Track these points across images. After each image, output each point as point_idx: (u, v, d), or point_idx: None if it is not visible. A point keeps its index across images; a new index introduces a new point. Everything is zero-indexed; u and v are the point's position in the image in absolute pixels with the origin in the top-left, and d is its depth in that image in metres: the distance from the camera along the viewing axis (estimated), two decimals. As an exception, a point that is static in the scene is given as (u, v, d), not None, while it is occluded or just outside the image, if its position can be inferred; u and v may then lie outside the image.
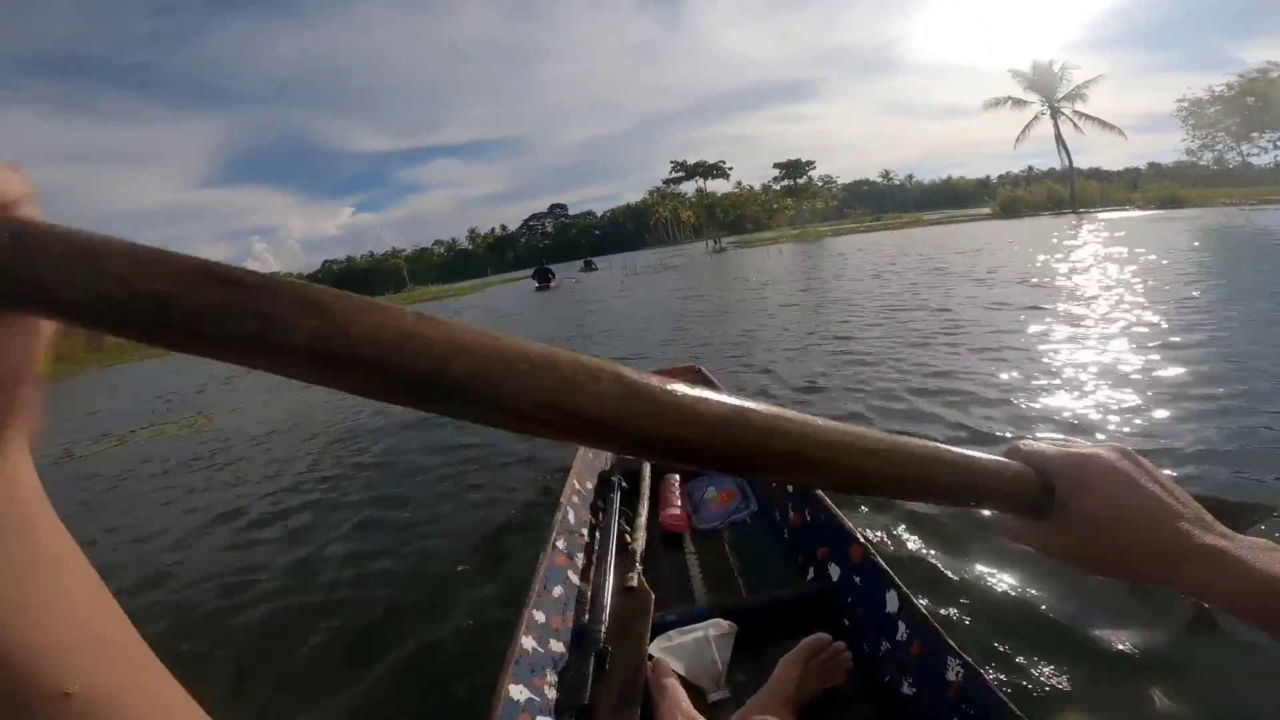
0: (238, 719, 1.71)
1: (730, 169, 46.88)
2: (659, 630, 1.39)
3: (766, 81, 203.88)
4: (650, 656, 1.30)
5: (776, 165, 47.92)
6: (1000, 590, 1.78)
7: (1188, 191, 30.65)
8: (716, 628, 1.37)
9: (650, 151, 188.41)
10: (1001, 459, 0.33)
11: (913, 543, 2.10)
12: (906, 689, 1.16)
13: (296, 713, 1.77)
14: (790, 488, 1.86)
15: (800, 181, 48.23)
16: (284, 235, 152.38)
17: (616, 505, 1.93)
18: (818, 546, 1.61)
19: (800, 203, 50.00)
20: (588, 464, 2.25)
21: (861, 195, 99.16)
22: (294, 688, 1.92)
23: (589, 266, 37.77)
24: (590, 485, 2.16)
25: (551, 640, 1.34)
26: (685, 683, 1.27)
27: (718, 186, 52.21)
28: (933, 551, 2.03)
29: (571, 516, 1.85)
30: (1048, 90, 34.51)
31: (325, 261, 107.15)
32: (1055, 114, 34.52)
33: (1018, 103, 35.62)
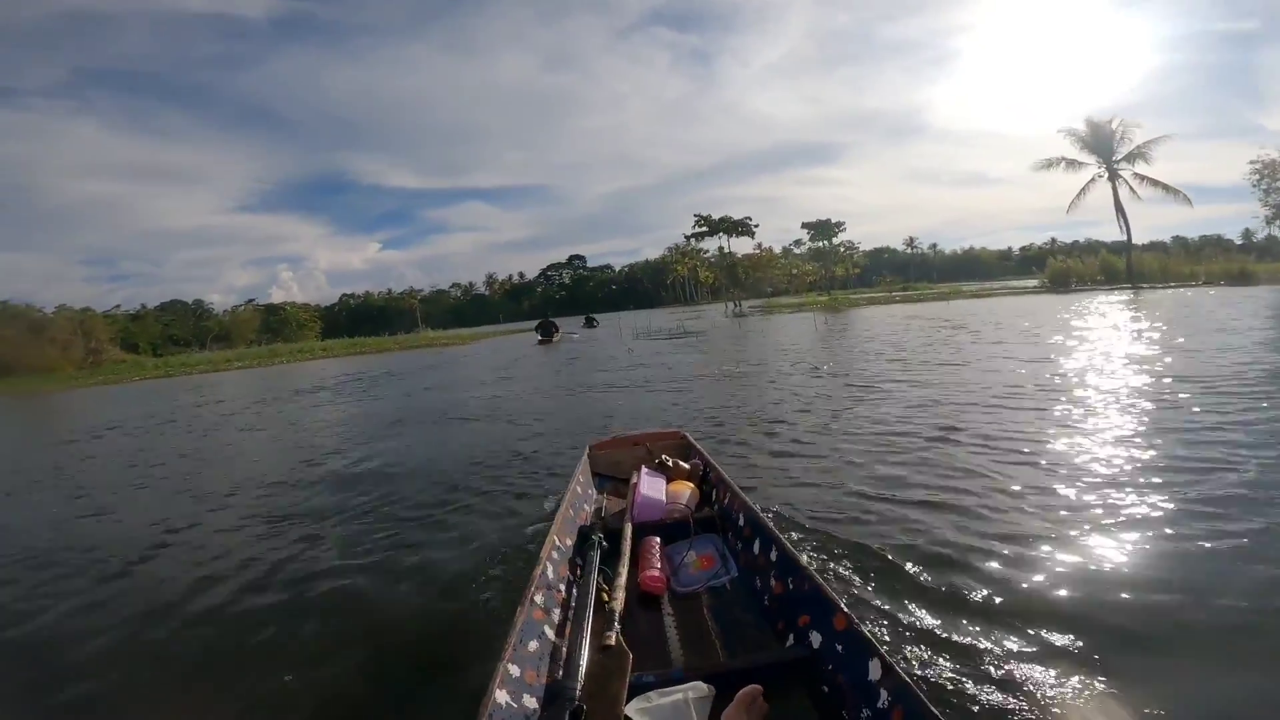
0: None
1: (756, 226, 44.00)
2: (635, 690, 1.35)
3: (791, 143, 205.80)
4: (626, 717, 1.28)
5: (805, 225, 44.36)
6: (991, 661, 1.75)
7: (1255, 266, 27.25)
8: (695, 690, 1.32)
9: (671, 209, 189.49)
10: None
11: (901, 616, 2.03)
12: None
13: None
14: (774, 556, 1.85)
15: (829, 244, 44.66)
16: (311, 266, 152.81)
17: (596, 563, 1.92)
18: (799, 614, 1.59)
19: (825, 267, 46.62)
20: (568, 521, 2.26)
21: (881, 263, 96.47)
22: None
23: (590, 323, 36.33)
24: (570, 542, 2.16)
25: (525, 695, 1.35)
26: None
27: (740, 246, 49.30)
28: (922, 627, 1.96)
29: (550, 572, 1.85)
30: (1105, 151, 31.19)
31: (343, 295, 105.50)
32: (1114, 176, 31.15)
33: (1072, 164, 32.13)
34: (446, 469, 4.74)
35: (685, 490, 2.61)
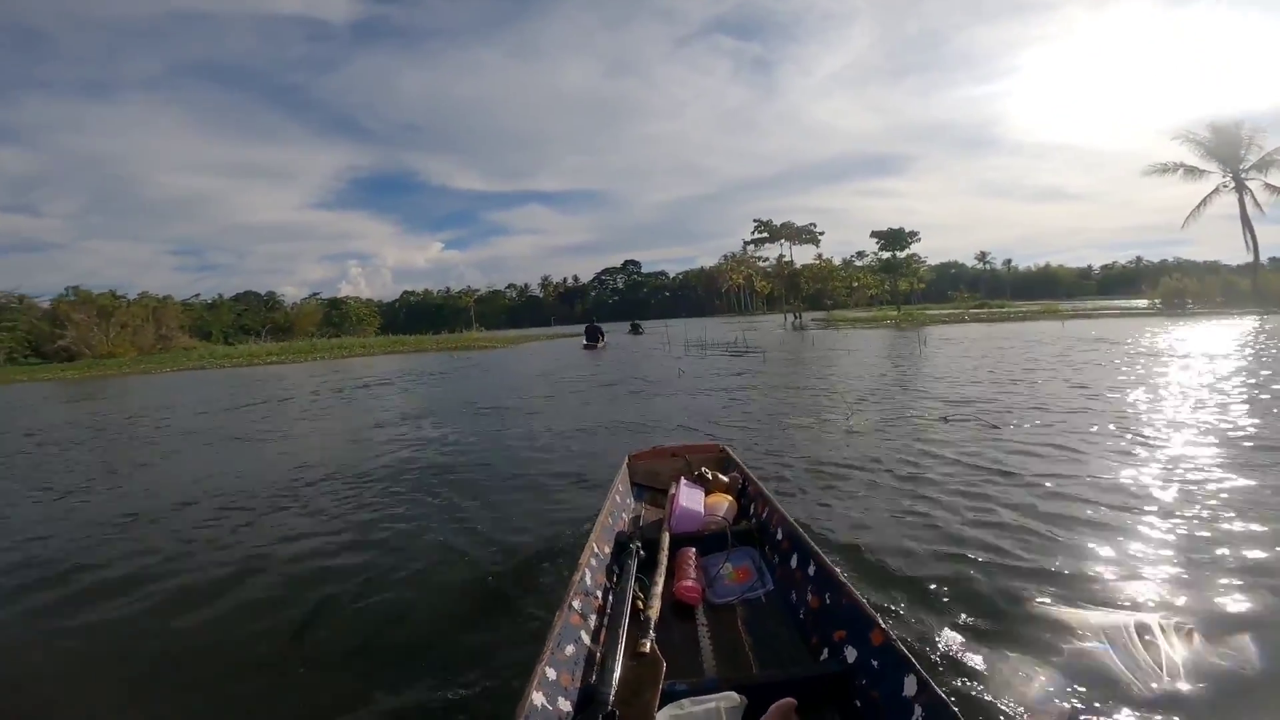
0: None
1: (821, 234, 40.48)
2: (667, 698, 1.36)
3: (853, 154, 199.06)
4: None
5: (874, 235, 39.94)
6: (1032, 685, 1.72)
7: None
8: (728, 700, 1.32)
9: (729, 218, 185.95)
10: None
11: (942, 633, 2.02)
12: None
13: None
14: (811, 571, 1.84)
15: (900, 255, 40.47)
16: (379, 263, 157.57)
17: (633, 572, 1.93)
18: (834, 629, 1.58)
19: (896, 280, 42.57)
20: (607, 529, 2.28)
21: (948, 278, 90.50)
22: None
23: (635, 330, 34.53)
24: (608, 549, 2.17)
25: (560, 698, 1.35)
26: None
27: (800, 255, 45.90)
28: (964, 642, 1.96)
29: (588, 578, 1.86)
30: (1230, 158, 26.87)
31: (404, 292, 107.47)
32: (1240, 186, 26.81)
33: (1191, 171, 27.92)
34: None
35: (723, 503, 2.60)
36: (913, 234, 39.89)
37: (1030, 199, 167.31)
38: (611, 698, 1.33)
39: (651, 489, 3.08)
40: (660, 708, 1.31)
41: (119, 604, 2.82)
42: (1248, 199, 27.32)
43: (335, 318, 72.55)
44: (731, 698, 1.31)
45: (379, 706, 1.87)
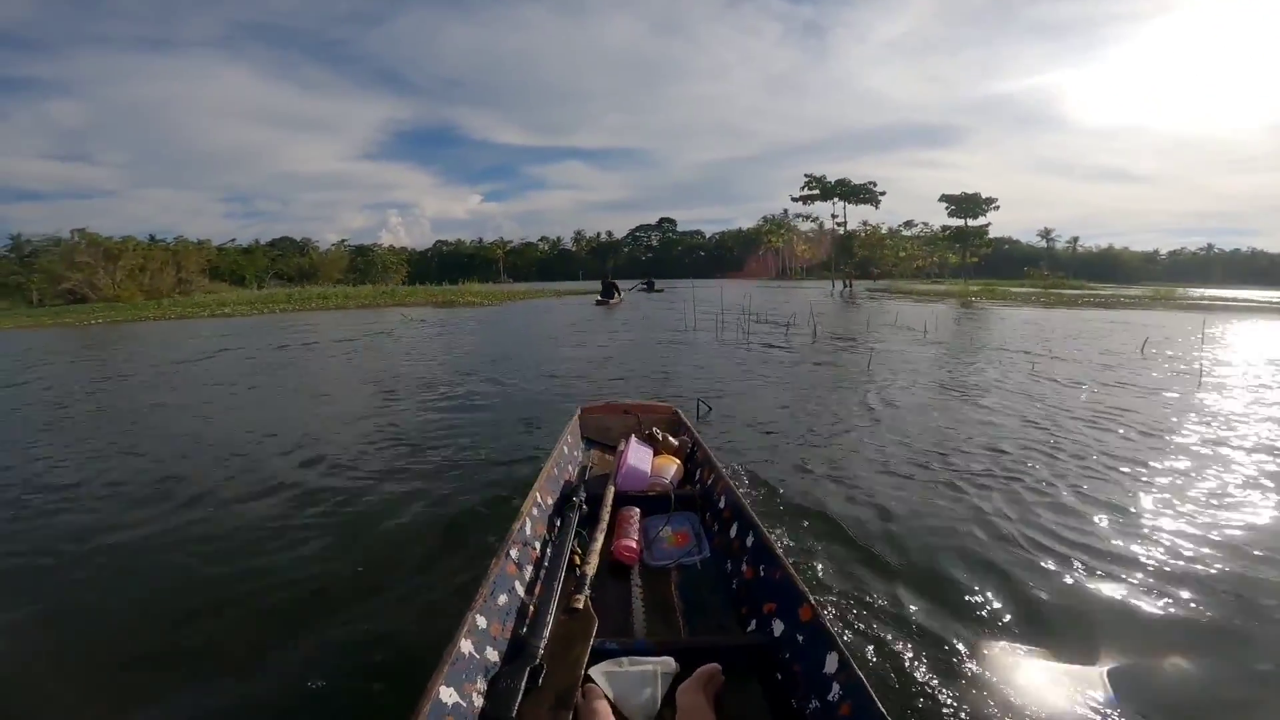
0: (98, 708, 1.63)
1: (882, 194, 34.41)
2: (597, 656, 1.34)
3: (905, 123, 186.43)
4: (587, 679, 1.27)
5: (944, 198, 34.10)
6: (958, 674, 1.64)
7: None
8: (664, 665, 1.30)
9: (770, 181, 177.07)
10: None
11: (867, 612, 1.92)
12: None
13: (185, 703, 1.61)
14: (749, 542, 1.79)
15: (975, 223, 34.47)
16: (418, 213, 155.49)
17: (574, 525, 1.89)
18: (765, 601, 1.55)
19: (966, 250, 36.80)
20: (552, 479, 2.25)
21: (1002, 255, 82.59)
22: (186, 671, 1.76)
23: (650, 287, 29.85)
24: (551, 500, 2.14)
25: (489, 648, 1.32)
26: (617, 712, 1.21)
27: (855, 217, 40.18)
28: (890, 623, 1.86)
29: (528, 528, 1.83)
30: None
31: (437, 242, 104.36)
32: None
33: None
34: None
35: (671, 465, 2.56)
36: (989, 201, 33.83)
37: (1090, 179, 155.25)
38: (541, 650, 1.32)
39: (600, 444, 3.02)
40: (589, 665, 1.30)
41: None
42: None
43: (361, 264, 70.01)
44: (668, 662, 1.31)
45: (306, 643, 1.82)
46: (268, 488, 3.24)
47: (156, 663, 1.82)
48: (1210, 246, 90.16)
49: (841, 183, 34.06)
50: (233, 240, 71.50)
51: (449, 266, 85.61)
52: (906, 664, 1.68)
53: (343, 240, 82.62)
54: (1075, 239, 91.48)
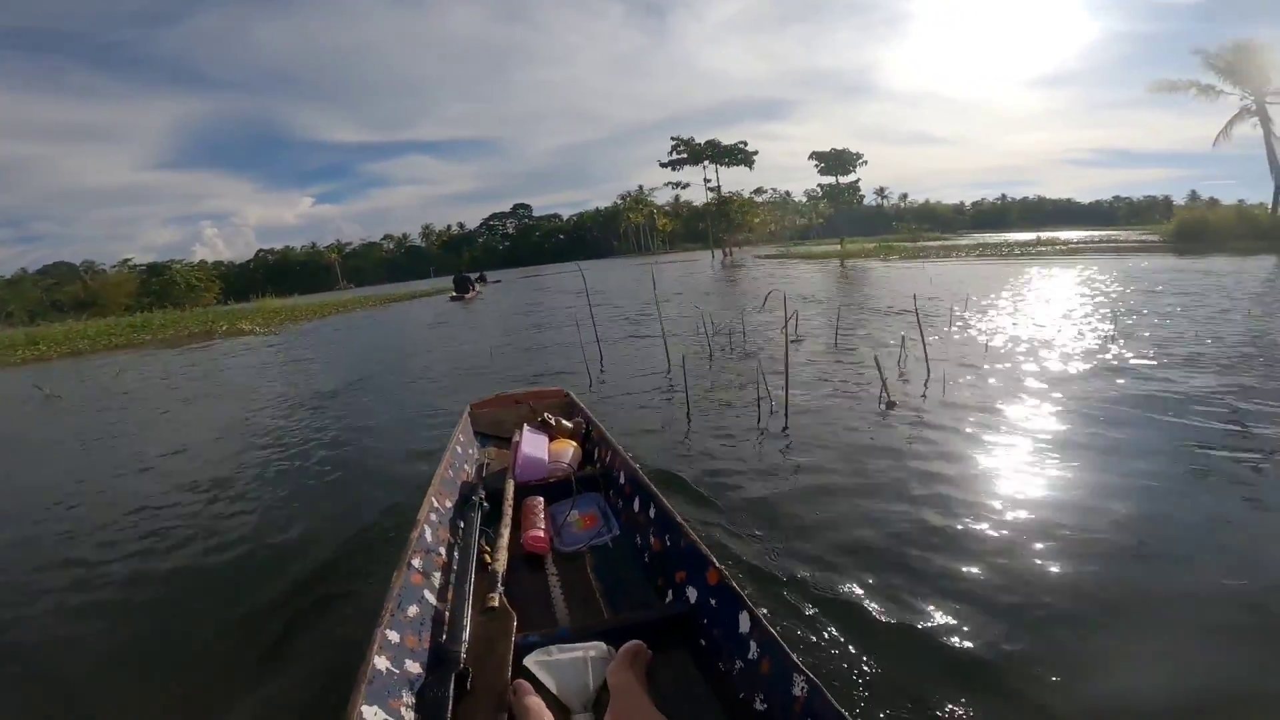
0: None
1: (755, 153, 32.06)
2: (522, 651, 1.28)
3: (744, 99, 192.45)
4: (525, 670, 1.23)
5: (814, 156, 32.26)
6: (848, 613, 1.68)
7: None
8: (596, 650, 1.26)
9: (622, 161, 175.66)
10: None
11: (769, 570, 1.93)
12: (759, 704, 1.11)
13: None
14: (652, 514, 1.76)
15: (845, 180, 33.38)
16: (238, 222, 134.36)
17: (478, 524, 1.80)
18: (676, 570, 1.54)
19: (838, 209, 36.23)
20: (448, 482, 2.11)
21: (845, 213, 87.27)
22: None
23: (480, 282, 25.74)
24: (450, 503, 2.00)
25: (407, 661, 1.23)
26: (552, 701, 1.17)
27: (732, 179, 38.09)
28: (787, 578, 1.87)
29: (429, 535, 1.71)
30: (1255, 80, 21.85)
31: (259, 251, 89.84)
32: (1263, 112, 21.98)
33: (1207, 90, 22.65)
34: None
35: (568, 449, 2.48)
36: (858, 155, 32.87)
37: (902, 142, 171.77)
38: (463, 655, 1.27)
39: (495, 438, 2.90)
40: (518, 660, 1.25)
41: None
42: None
43: (155, 286, 57.56)
44: (600, 647, 1.27)
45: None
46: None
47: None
48: (1004, 196, 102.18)
49: (711, 144, 31.59)
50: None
51: (278, 276, 74.17)
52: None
53: (125, 260, 68.06)
54: (905, 195, 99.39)
